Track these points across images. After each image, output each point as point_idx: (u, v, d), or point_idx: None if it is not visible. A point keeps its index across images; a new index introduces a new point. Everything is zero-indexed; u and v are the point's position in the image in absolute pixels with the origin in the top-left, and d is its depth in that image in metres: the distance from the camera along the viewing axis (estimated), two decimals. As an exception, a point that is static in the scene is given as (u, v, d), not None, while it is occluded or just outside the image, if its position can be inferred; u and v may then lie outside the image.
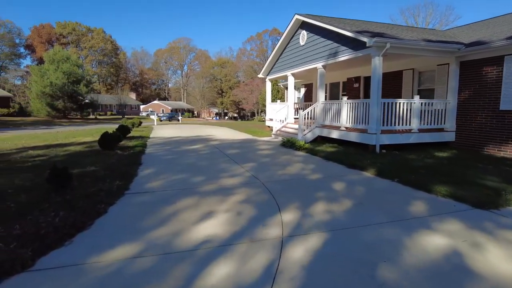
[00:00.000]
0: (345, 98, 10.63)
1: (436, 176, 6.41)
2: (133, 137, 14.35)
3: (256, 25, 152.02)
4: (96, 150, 10.25)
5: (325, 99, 12.19)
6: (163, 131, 19.34)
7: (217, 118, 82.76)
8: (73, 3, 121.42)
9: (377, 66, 9.11)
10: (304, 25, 13.44)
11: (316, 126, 12.11)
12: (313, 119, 12.42)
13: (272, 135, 14.76)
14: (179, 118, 46.70)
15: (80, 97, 42.35)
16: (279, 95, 35.56)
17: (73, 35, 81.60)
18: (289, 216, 4.35)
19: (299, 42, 13.87)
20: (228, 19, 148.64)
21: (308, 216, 4.35)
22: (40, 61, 62.06)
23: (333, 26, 10.74)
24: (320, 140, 12.06)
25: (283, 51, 15.74)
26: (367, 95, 14.84)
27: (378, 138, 9.26)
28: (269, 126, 18.42)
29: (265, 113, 59.50)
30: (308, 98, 19.34)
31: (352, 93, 15.47)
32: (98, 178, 6.37)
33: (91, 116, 49.81)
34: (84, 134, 17.20)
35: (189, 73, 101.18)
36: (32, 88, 40.44)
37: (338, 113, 10.97)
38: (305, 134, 11.93)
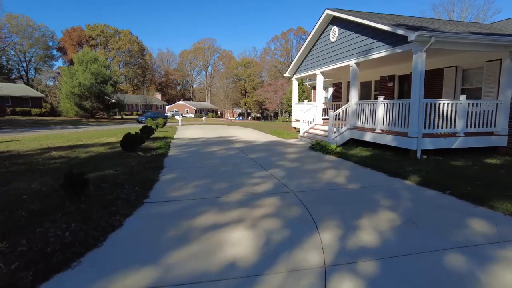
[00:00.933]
0: (381, 98, 9.78)
1: (496, 188, 5.53)
2: (156, 138, 14.09)
3: (280, 25, 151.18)
4: (118, 151, 9.98)
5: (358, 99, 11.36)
6: (187, 132, 19.08)
7: (240, 118, 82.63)
8: (102, 5, 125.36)
9: (419, 63, 8.23)
10: (335, 21, 12.66)
11: (348, 128, 11.31)
12: (344, 120, 11.63)
13: (299, 137, 14.06)
14: (167, 116, 41.28)
15: (106, 97, 43.22)
16: (304, 95, 34.65)
17: (101, 37, 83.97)
18: (329, 236, 3.69)
19: (329, 39, 13.09)
20: (253, 19, 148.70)
21: (352, 236, 3.68)
22: (71, 63, 64.02)
23: (368, 20, 9.92)
24: (352, 143, 11.26)
25: (311, 48, 14.98)
26: (401, 95, 13.87)
27: (419, 142, 8.38)
28: (295, 128, 17.71)
29: (289, 113, 58.55)
30: (337, 98, 18.46)
31: (385, 93, 14.46)
32: (116, 184, 5.96)
33: (118, 116, 50.83)
34: (108, 134, 17.19)
35: (213, 74, 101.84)
36: (62, 89, 41.69)
37: (373, 114, 10.14)
38: (336, 137, 11.16)
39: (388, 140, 9.38)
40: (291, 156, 9.33)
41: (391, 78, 14.13)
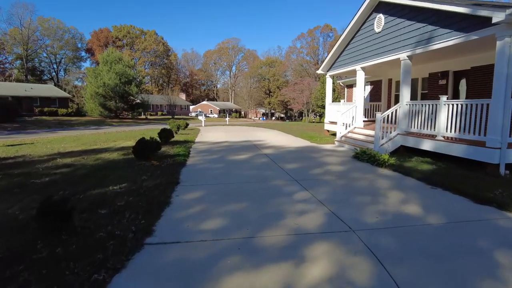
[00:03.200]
0: (444, 97, 7.98)
1: None
2: (176, 142, 12.79)
3: (306, 23, 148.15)
4: (131, 159, 8.72)
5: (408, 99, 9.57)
6: (209, 135, 17.76)
7: (264, 118, 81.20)
8: (129, 6, 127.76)
9: (506, 51, 6.36)
10: (380, 7, 10.86)
11: (398, 133, 9.52)
12: (393, 123, 9.83)
13: (336, 142, 12.34)
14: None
15: (131, 97, 42.89)
16: (335, 94, 32.62)
17: (127, 38, 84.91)
18: None
19: (373, 29, 11.30)
20: (277, 18, 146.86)
21: None
22: (98, 64, 65.10)
23: (430, 2, 8.11)
24: (403, 151, 9.46)
25: (349, 41, 13.22)
26: (457, 94, 11.85)
27: (503, 154, 6.52)
28: (328, 130, 15.97)
29: (315, 114, 56.43)
30: (375, 97, 16.53)
31: (435, 92, 12.50)
32: (116, 210, 4.58)
33: (142, 116, 50.62)
34: (127, 136, 16.13)
35: (237, 74, 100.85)
36: (87, 89, 41.78)
37: (432, 117, 8.31)
38: (384, 144, 9.40)
39: (455, 150, 7.54)
40: (334, 168, 7.68)
41: (444, 74, 12.12)
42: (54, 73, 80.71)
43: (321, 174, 7.08)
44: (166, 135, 12.02)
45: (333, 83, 26.89)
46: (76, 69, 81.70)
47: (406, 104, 9.44)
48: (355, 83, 19.67)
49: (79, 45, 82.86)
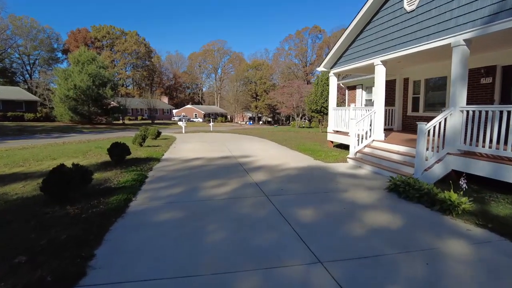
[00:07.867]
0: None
1: None
2: (134, 161, 9.50)
3: (294, 24, 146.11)
4: (43, 199, 5.42)
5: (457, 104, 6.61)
6: (185, 147, 14.43)
7: (251, 123, 78.10)
8: (109, 6, 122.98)
9: None
10: (413, -23, 7.92)
11: (448, 153, 6.53)
12: (438, 136, 6.81)
13: (349, 159, 9.28)
14: None
15: (106, 101, 39.06)
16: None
17: (107, 39, 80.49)
18: None
19: (402, 8, 8.32)
20: (265, 19, 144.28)
21: None
22: (74, 65, 60.48)
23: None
24: (455, 177, 6.46)
25: (363, 28, 10.21)
26: (508, 97, 9.00)
27: None
28: (332, 141, 12.94)
29: (305, 118, 53.56)
30: (389, 101, 13.59)
31: (476, 93, 9.66)
32: None
33: (119, 121, 46.58)
34: (78, 151, 12.60)
35: (223, 77, 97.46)
36: (56, 92, 37.79)
37: (517, 131, 5.35)
38: (429, 168, 6.40)
39: None
40: (374, 220, 4.54)
41: (489, 70, 9.28)
42: (27, 75, 75.42)
43: (359, 236, 3.94)
44: (118, 152, 8.71)
45: (327, 84, 24.04)
46: (50, 70, 76.58)
47: (461, 110, 6.46)
48: (360, 84, 16.85)
49: (55, 46, 77.98)
